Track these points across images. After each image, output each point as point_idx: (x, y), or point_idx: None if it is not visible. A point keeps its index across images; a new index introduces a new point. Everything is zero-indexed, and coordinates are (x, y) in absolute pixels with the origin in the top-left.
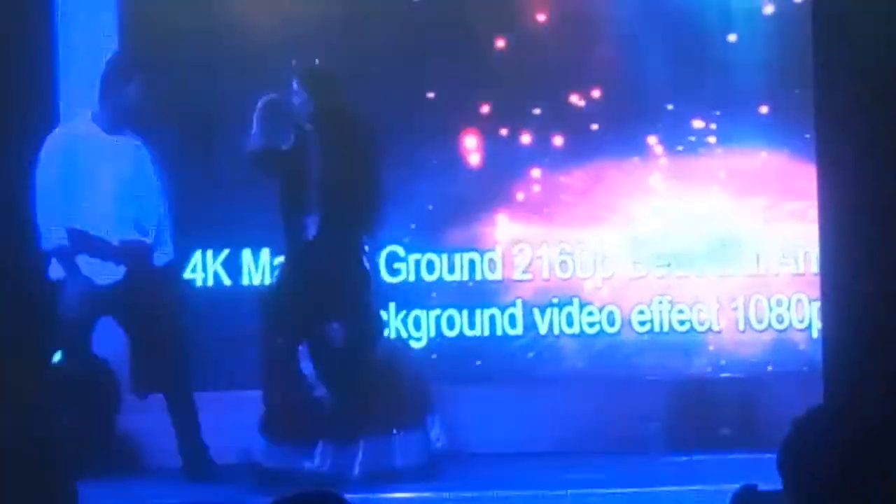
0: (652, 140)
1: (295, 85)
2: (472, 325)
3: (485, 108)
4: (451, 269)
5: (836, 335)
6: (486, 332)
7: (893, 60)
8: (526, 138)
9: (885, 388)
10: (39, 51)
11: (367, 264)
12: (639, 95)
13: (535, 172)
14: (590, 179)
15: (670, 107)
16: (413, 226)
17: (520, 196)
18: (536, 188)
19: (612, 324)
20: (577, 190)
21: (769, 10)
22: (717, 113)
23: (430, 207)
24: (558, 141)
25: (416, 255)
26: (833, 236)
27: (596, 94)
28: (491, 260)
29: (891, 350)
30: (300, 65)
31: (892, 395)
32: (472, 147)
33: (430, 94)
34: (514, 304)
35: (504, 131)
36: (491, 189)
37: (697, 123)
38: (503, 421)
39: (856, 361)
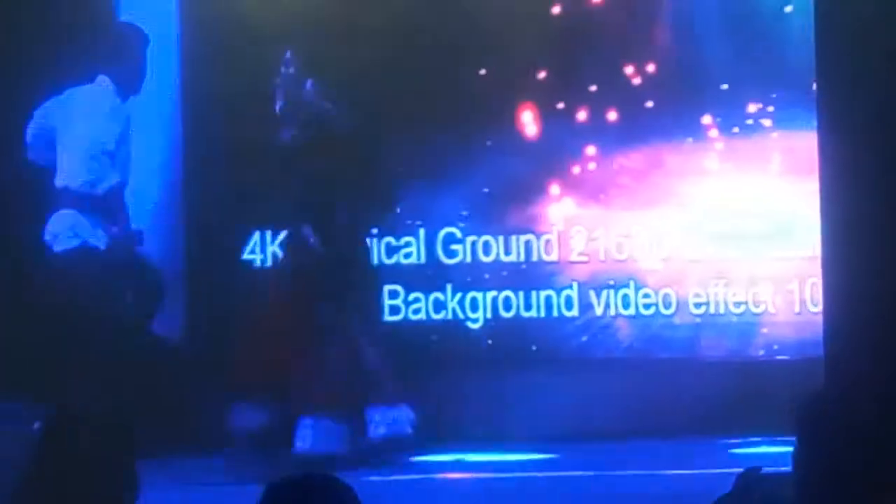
0: (706, 120)
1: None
2: (528, 307)
3: (539, 86)
4: (508, 251)
5: (839, 323)
6: (543, 314)
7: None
8: (582, 115)
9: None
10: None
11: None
12: (693, 73)
13: (591, 150)
14: (646, 161)
15: (725, 86)
16: (465, 212)
17: (576, 178)
18: (592, 166)
19: (667, 306)
20: (634, 172)
21: None
22: (773, 95)
23: (486, 190)
24: (613, 118)
25: (473, 237)
26: (834, 215)
27: (650, 68)
28: (547, 241)
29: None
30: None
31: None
32: (527, 127)
33: (482, 71)
34: (570, 286)
35: (560, 105)
36: (547, 171)
37: (753, 105)
38: (557, 402)
39: (858, 340)
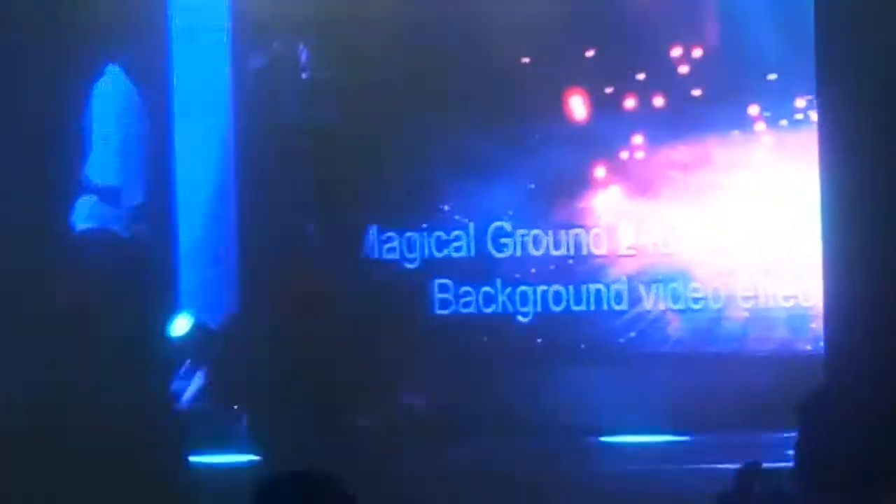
0: (753, 110)
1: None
2: (577, 301)
3: (585, 73)
4: (557, 245)
5: (839, 318)
6: (592, 308)
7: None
8: (630, 102)
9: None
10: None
11: None
12: (741, 61)
13: (638, 141)
14: (693, 153)
15: (773, 76)
16: (513, 206)
17: (624, 171)
18: (640, 156)
19: (716, 300)
20: (681, 164)
21: None
22: None
23: (532, 186)
24: (660, 106)
25: (523, 231)
26: (834, 209)
27: (697, 53)
28: (596, 235)
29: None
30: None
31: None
32: (574, 116)
33: (525, 60)
34: (619, 280)
35: (608, 91)
36: (595, 164)
37: (802, 98)
38: (605, 397)
39: (858, 334)
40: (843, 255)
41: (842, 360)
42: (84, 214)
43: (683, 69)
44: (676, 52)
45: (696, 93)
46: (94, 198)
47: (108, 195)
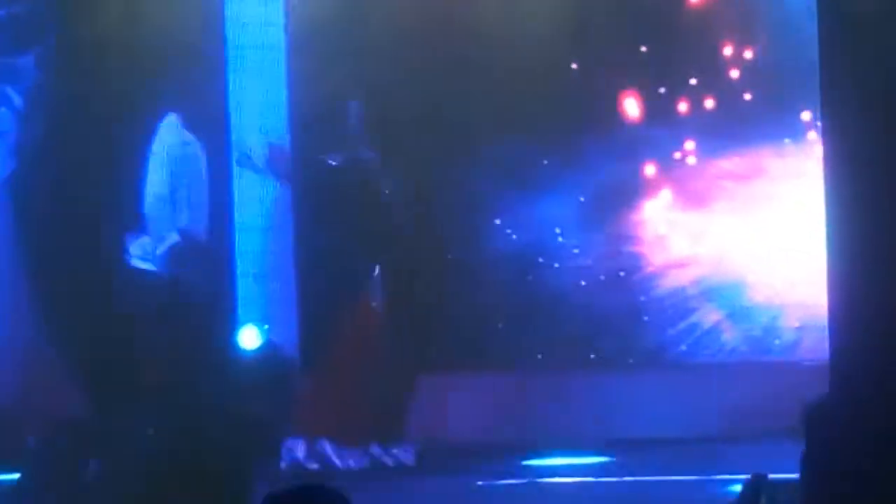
0: (806, 116)
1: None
2: (630, 312)
3: (636, 78)
4: (609, 256)
5: (844, 329)
6: (647, 318)
7: None
8: (682, 107)
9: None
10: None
11: None
12: (793, 66)
13: (690, 153)
14: (747, 163)
15: None
16: (564, 218)
17: (677, 182)
18: (692, 166)
19: (770, 309)
20: (734, 174)
21: None
22: None
23: (582, 199)
24: (711, 112)
25: (573, 241)
26: (839, 219)
27: (748, 55)
28: (649, 245)
29: None
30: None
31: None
32: (626, 121)
33: (574, 66)
34: (673, 290)
35: (659, 97)
36: (647, 175)
37: None
38: (665, 405)
39: (863, 343)
40: (847, 265)
41: (847, 369)
42: (138, 254)
43: (734, 73)
44: (727, 51)
45: (747, 97)
46: (147, 238)
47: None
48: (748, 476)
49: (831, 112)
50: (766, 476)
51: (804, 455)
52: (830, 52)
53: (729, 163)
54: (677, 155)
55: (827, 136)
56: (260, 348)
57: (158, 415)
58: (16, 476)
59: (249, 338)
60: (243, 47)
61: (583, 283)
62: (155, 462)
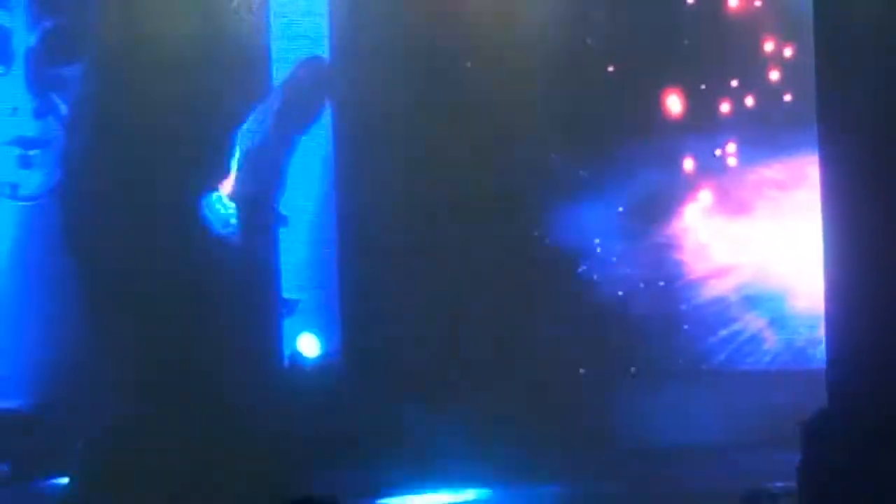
0: None
1: None
2: (671, 320)
3: (674, 87)
4: (650, 265)
5: (841, 334)
6: (687, 326)
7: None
8: (724, 107)
9: (891, 382)
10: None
11: None
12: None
13: (732, 161)
14: (788, 172)
15: None
16: (605, 226)
17: (718, 191)
18: (734, 177)
19: (811, 318)
20: (776, 182)
21: None
22: None
23: (620, 209)
24: (752, 112)
25: (616, 248)
26: (837, 236)
27: (788, 52)
28: (691, 254)
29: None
30: None
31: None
32: (669, 120)
33: (610, 69)
34: (714, 299)
35: (701, 98)
36: (689, 183)
37: None
38: (701, 413)
39: (860, 357)
40: (844, 278)
41: (845, 381)
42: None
43: (775, 75)
44: (769, 46)
45: (787, 97)
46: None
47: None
48: (746, 490)
49: (827, 124)
50: (762, 489)
51: (800, 466)
52: (826, 61)
53: (771, 170)
54: (717, 158)
55: (823, 149)
56: (319, 358)
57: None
58: (65, 479)
59: (309, 346)
60: None
61: (620, 292)
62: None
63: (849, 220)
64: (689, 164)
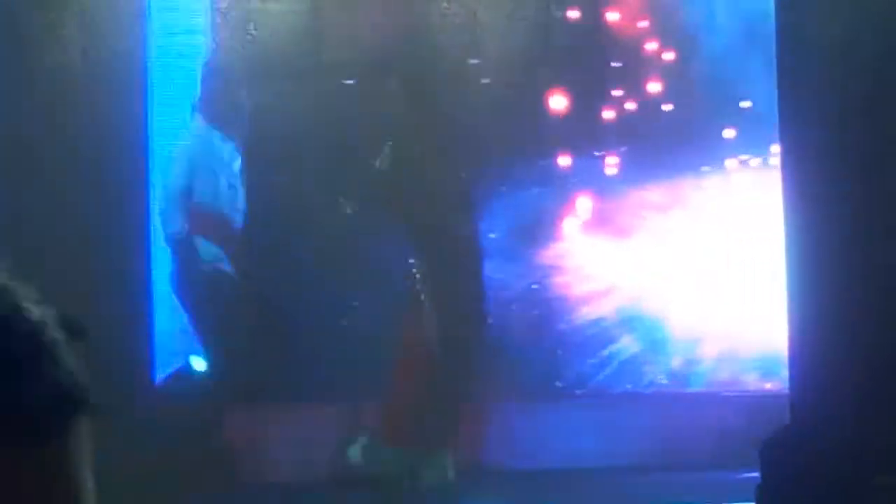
0: (728, 133)
1: None
2: (551, 342)
3: (556, 101)
4: (529, 285)
5: (803, 348)
6: (566, 348)
7: (855, 66)
8: (608, 117)
9: (854, 403)
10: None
11: None
12: (709, 89)
13: (612, 168)
14: (667, 193)
15: (746, 104)
16: (493, 235)
17: (597, 211)
18: (614, 197)
19: (689, 340)
20: (655, 204)
21: None
22: None
23: (493, 236)
24: (635, 125)
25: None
26: (799, 246)
27: (670, 56)
28: (570, 274)
29: (860, 361)
30: None
31: (862, 410)
32: (549, 154)
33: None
34: (592, 320)
35: (579, 121)
36: (568, 203)
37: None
38: (581, 436)
39: (823, 376)
40: (807, 286)
41: (807, 400)
42: None
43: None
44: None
45: (667, 107)
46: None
47: None
48: None
49: (789, 143)
50: None
51: (760, 488)
52: (789, 80)
53: (650, 192)
54: (598, 179)
55: (786, 170)
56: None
57: None
58: None
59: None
60: None
61: (498, 314)
62: None
63: (812, 226)
64: (568, 185)
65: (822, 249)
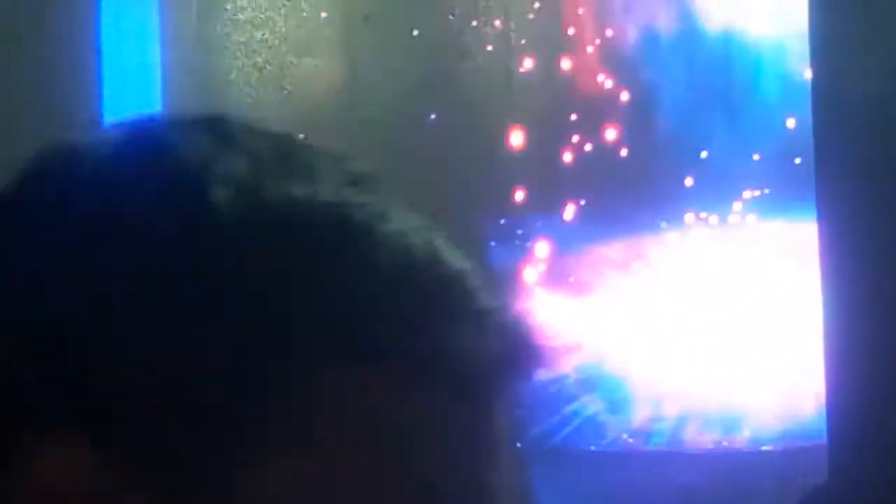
0: (689, 182)
1: None
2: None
3: (514, 158)
4: None
5: (842, 398)
6: (525, 407)
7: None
8: (565, 165)
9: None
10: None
11: None
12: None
13: (571, 223)
14: (625, 249)
15: (704, 154)
16: None
17: (552, 267)
18: (571, 254)
19: (651, 398)
20: (612, 261)
21: None
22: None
23: None
24: (593, 174)
25: None
26: (836, 297)
27: (624, 96)
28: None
29: None
30: None
31: None
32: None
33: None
34: (552, 377)
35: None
36: (523, 260)
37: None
38: (543, 494)
39: (863, 431)
40: (846, 340)
41: (848, 454)
42: None
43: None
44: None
45: (623, 153)
46: None
47: None
48: None
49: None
50: None
51: None
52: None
53: (608, 248)
54: (557, 235)
55: (822, 222)
56: None
57: None
58: None
59: None
60: None
61: None
62: None
63: (851, 281)
64: (528, 242)
65: (861, 302)
